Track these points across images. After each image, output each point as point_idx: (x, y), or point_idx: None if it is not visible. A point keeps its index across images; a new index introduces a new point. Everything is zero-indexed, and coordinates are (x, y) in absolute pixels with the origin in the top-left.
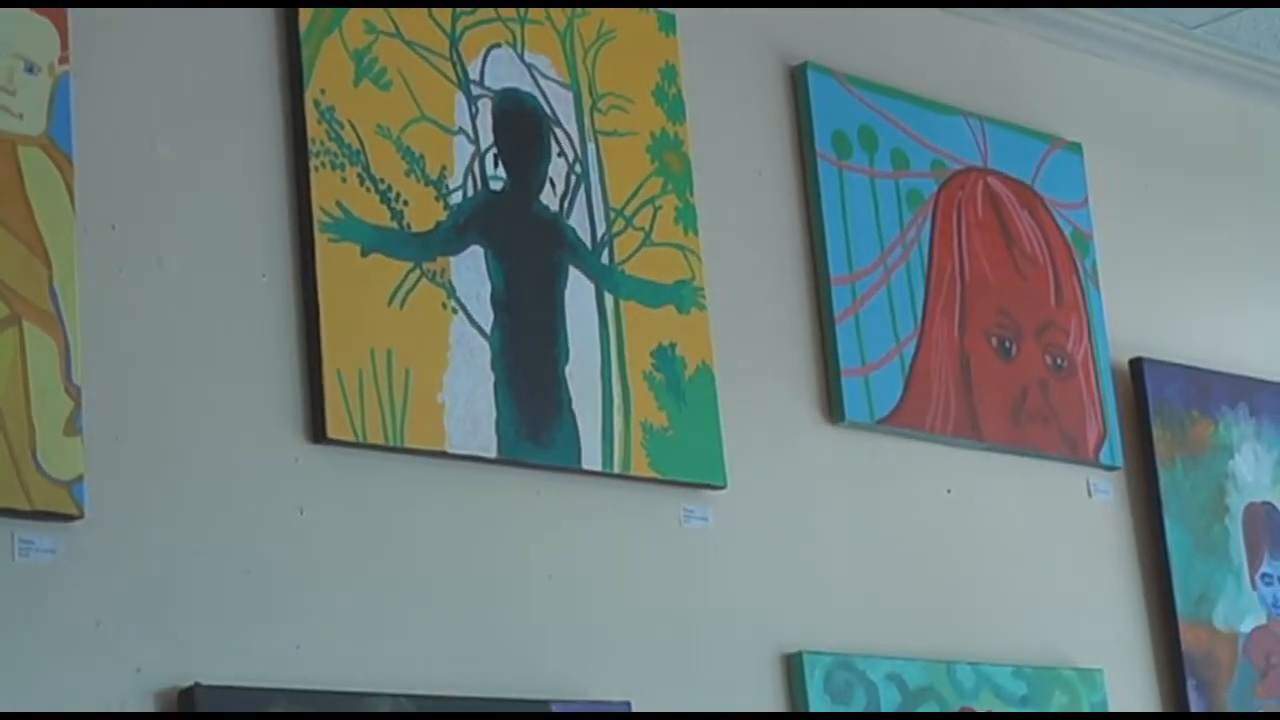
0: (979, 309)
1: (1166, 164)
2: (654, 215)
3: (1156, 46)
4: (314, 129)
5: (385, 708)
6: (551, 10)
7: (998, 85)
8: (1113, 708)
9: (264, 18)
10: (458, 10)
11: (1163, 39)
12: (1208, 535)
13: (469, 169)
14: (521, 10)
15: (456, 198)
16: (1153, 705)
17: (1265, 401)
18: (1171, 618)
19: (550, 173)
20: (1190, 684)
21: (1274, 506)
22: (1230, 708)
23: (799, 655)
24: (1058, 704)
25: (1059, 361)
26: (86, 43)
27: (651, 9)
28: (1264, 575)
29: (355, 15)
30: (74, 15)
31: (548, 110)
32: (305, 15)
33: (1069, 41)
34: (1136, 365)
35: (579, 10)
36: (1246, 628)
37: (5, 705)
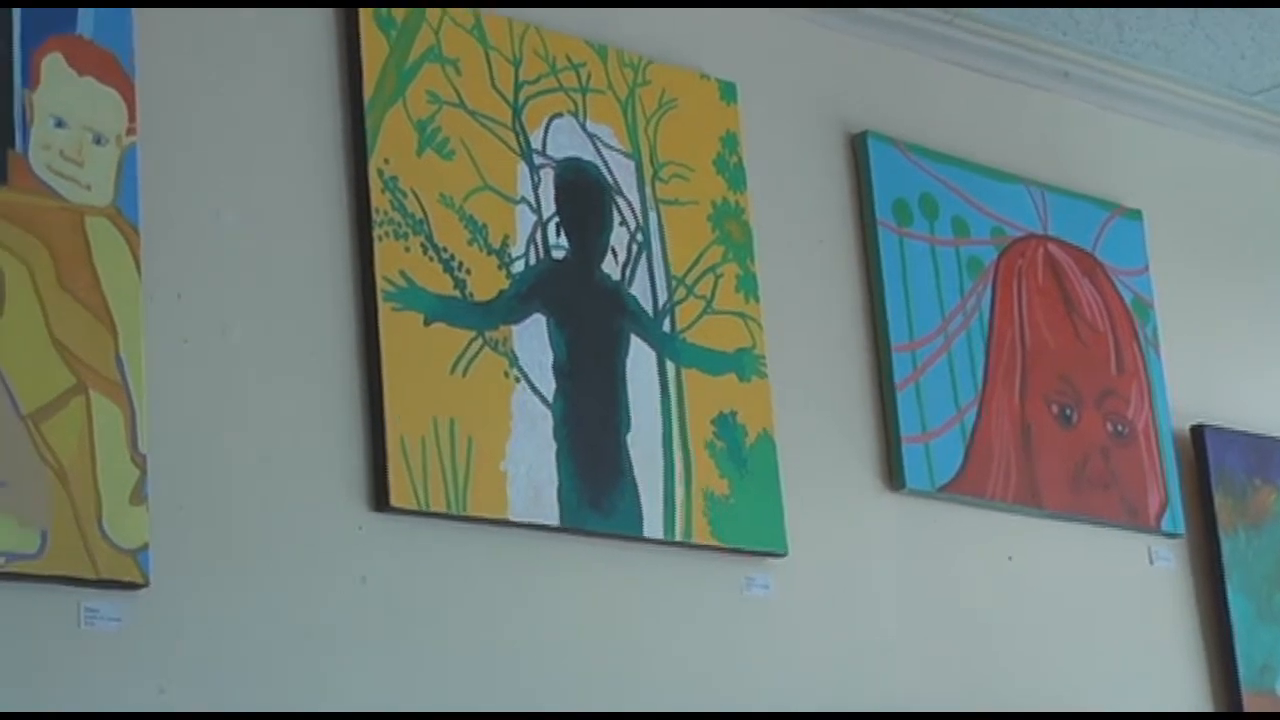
0: (1040, 376)
1: (1227, 230)
2: (715, 283)
3: (1215, 113)
4: (377, 198)
5: None
6: (613, 79)
7: (1057, 153)
8: None
9: (328, 88)
10: (520, 79)
11: (1222, 105)
12: (1270, 604)
13: (531, 238)
14: (583, 79)
15: (519, 266)
16: None
17: None
18: (1235, 687)
19: (612, 241)
20: None
21: None
22: None
23: None
24: None
25: (1120, 429)
26: (153, 114)
27: (713, 78)
28: None
29: (419, 85)
30: (141, 87)
31: (609, 179)
32: (369, 85)
33: (1127, 109)
34: (1198, 432)
35: (640, 79)
36: None
37: None
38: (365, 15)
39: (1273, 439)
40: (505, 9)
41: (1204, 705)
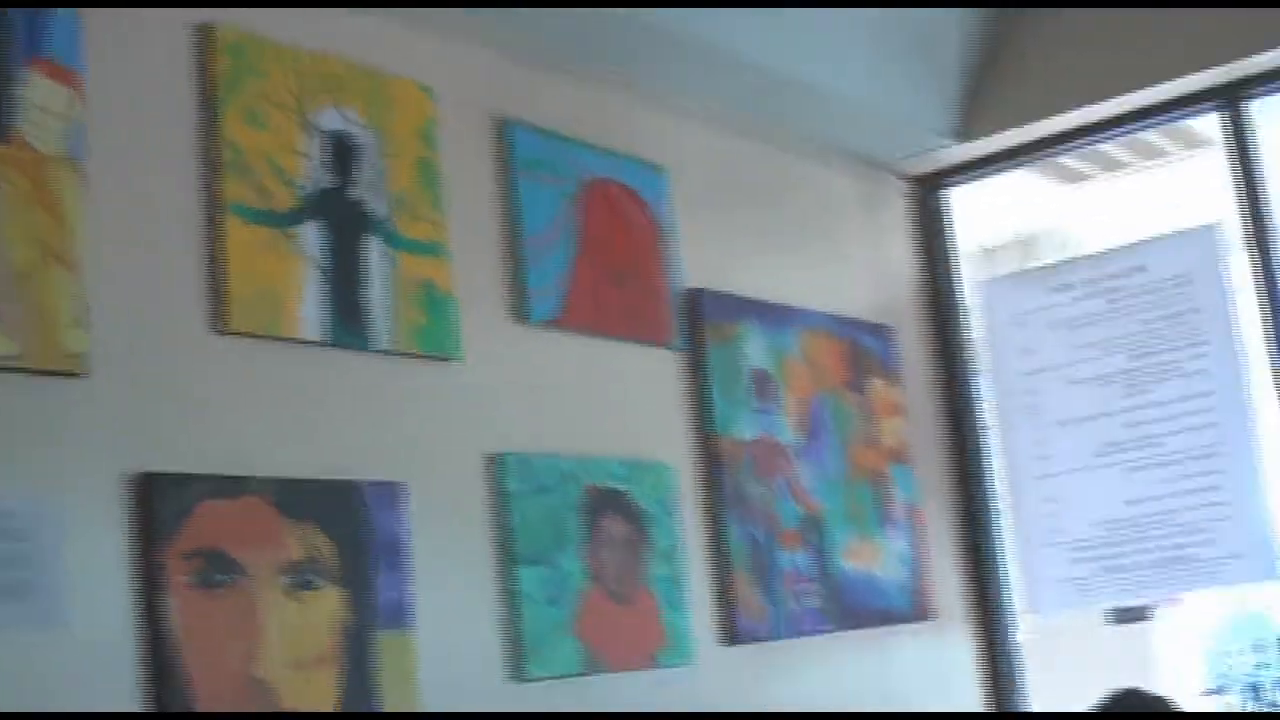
0: (605, 260)
1: (715, 181)
2: (418, 203)
3: (717, 111)
4: (226, 152)
5: (255, 488)
6: (360, 85)
7: (620, 133)
8: (677, 486)
9: (191, 90)
10: (304, 84)
11: (718, 112)
12: (732, 386)
13: (310, 176)
14: (342, 84)
15: (303, 193)
16: (699, 484)
17: (761, 312)
18: (709, 431)
19: (359, 179)
20: (719, 469)
21: (766, 371)
22: (740, 478)
23: (501, 454)
24: (649, 484)
25: (650, 289)
26: (98, 100)
27: (420, 84)
28: (760, 410)
29: (248, 87)
30: (90, 87)
31: (358, 144)
32: (221, 87)
33: (665, 105)
34: (694, 292)
35: (377, 84)
36: (750, 438)
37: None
38: (219, 40)
39: (733, 295)
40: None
41: (692, 443)
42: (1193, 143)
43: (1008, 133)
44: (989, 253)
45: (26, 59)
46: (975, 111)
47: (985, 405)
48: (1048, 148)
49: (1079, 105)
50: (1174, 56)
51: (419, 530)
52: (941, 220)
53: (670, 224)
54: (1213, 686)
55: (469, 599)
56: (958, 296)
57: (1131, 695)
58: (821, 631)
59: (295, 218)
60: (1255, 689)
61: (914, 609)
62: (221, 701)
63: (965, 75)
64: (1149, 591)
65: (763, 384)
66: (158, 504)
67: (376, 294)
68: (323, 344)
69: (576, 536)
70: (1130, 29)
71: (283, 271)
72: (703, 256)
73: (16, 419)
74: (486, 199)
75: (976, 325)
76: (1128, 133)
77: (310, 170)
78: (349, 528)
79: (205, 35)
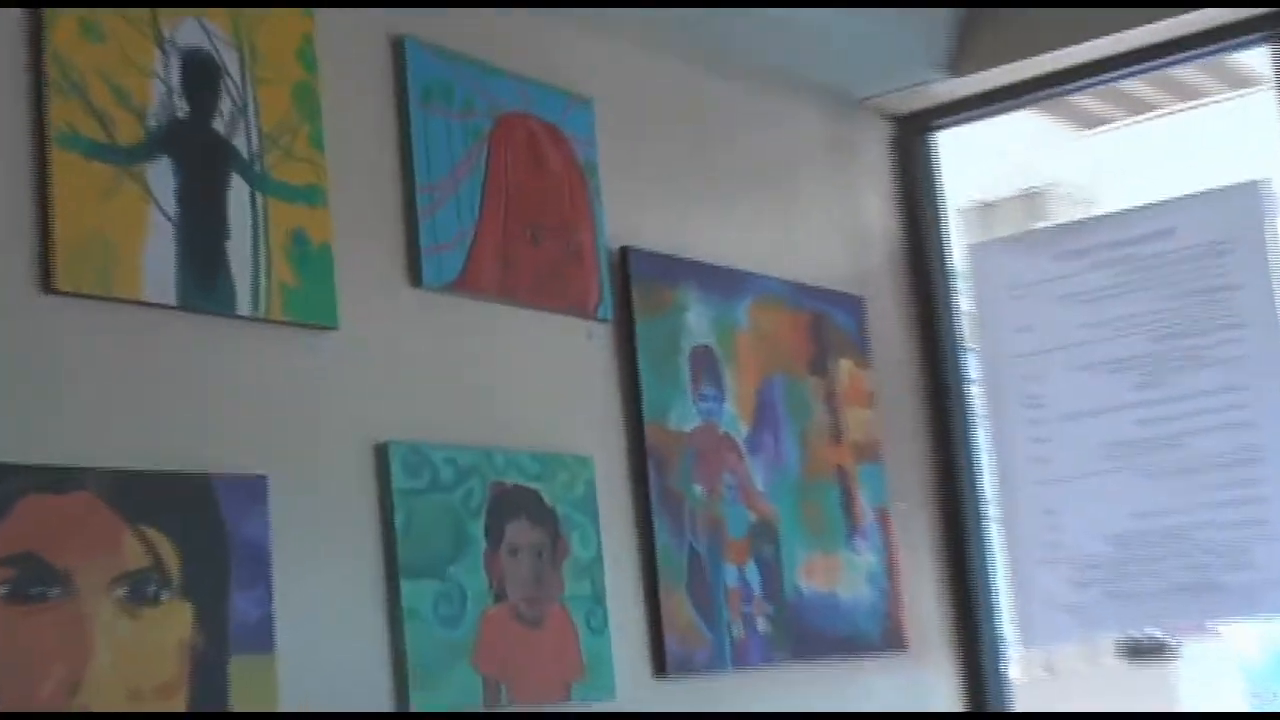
0: (517, 211)
1: (652, 117)
2: (293, 138)
3: (655, 34)
4: (51, 69)
5: (86, 481)
6: None
7: (538, 57)
8: (599, 484)
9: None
10: None
11: (657, 34)
12: (666, 366)
13: (162, 103)
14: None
15: (152, 123)
16: (626, 483)
17: (704, 276)
18: (639, 420)
19: (220, 107)
20: (651, 465)
21: (709, 348)
22: (677, 477)
23: (386, 444)
24: (561, 480)
25: (572, 248)
26: None
27: None
28: (702, 394)
29: None
30: None
31: (220, 63)
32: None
33: (594, 25)
34: (625, 251)
35: None
36: (689, 428)
37: None
38: None
39: (671, 256)
40: None
41: (621, 433)
42: (1238, 82)
43: (1009, 66)
44: (986, 209)
45: None
46: (971, 39)
47: (974, 394)
48: (1057, 84)
49: (1096, 35)
50: None
51: (286, 534)
52: (927, 169)
53: (599, 169)
54: None
55: (345, 617)
56: (945, 262)
57: None
58: (773, 663)
59: (141, 153)
60: None
61: (884, 637)
62: None
63: None
64: (1165, 622)
65: (706, 363)
66: None
67: (239, 248)
68: (172, 307)
69: (477, 544)
70: None
71: (124, 218)
72: (636, 208)
73: None
74: (376, 135)
75: (966, 297)
76: (1156, 68)
77: (162, 96)
78: (200, 530)
79: None
